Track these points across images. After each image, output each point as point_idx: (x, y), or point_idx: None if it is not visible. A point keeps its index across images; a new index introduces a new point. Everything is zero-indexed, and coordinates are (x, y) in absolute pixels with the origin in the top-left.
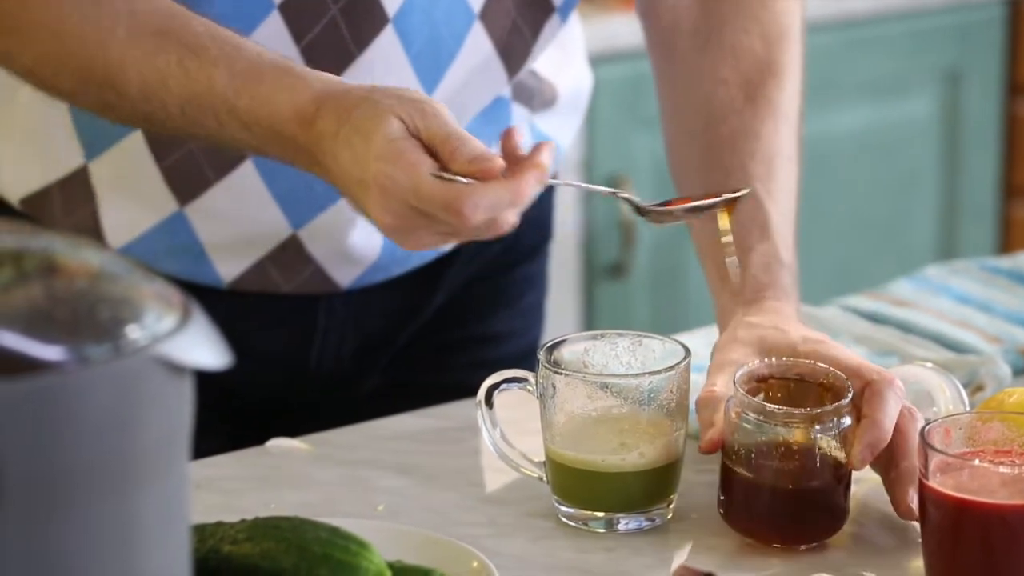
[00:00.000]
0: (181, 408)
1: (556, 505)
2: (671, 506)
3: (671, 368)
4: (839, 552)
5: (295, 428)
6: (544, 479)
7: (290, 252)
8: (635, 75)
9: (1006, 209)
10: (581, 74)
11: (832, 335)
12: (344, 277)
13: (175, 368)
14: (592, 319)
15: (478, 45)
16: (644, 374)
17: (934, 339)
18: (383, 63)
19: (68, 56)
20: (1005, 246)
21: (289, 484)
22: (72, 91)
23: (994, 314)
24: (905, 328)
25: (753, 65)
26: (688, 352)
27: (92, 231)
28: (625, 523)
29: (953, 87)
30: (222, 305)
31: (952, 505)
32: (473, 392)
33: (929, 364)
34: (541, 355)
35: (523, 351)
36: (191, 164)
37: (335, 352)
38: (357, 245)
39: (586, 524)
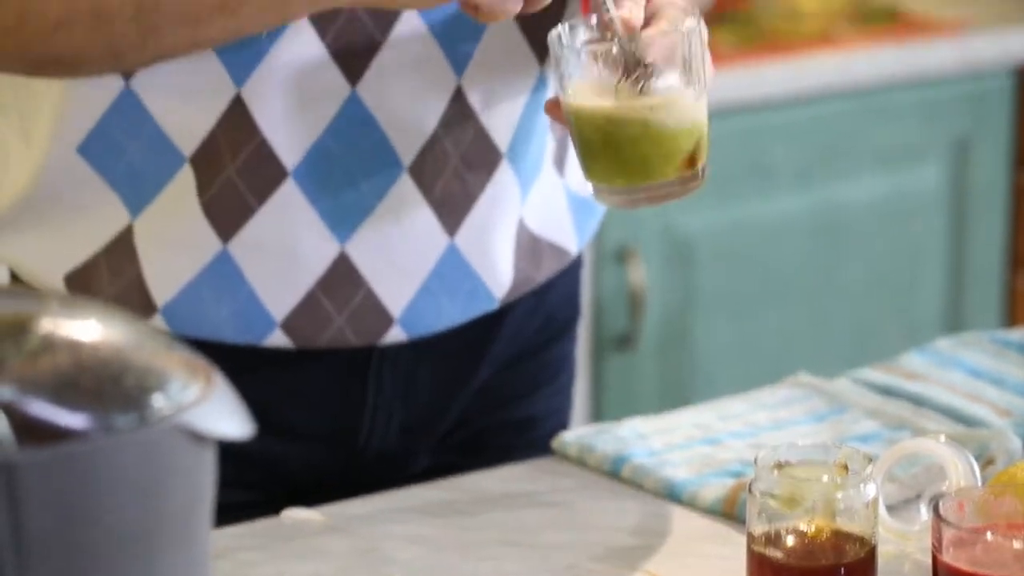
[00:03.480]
0: (204, 478)
1: (593, 187)
2: (704, 172)
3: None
4: None
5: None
6: None
7: (340, 274)
8: None
9: (1013, 279)
10: None
11: (843, 408)
12: (395, 302)
13: (199, 438)
14: (600, 390)
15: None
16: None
17: (945, 412)
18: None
19: None
20: (1012, 317)
21: (303, 555)
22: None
23: (1005, 387)
24: (917, 401)
25: None
26: (699, 16)
27: (138, 291)
28: (658, 192)
29: (962, 156)
30: (272, 386)
31: None
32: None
33: (941, 438)
34: (558, 34)
35: (553, 434)
36: (231, 192)
37: (383, 430)
38: (405, 252)
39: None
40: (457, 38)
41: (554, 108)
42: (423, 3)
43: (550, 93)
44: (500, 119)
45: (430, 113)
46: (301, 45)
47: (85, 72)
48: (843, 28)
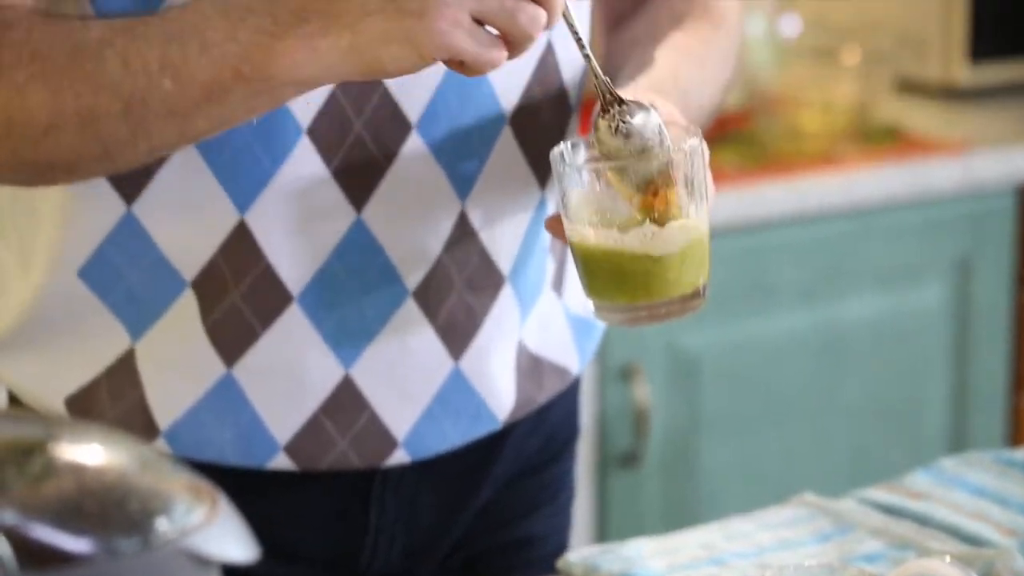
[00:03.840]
0: None
1: (594, 304)
2: (706, 290)
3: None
4: None
5: None
6: None
7: (344, 397)
8: None
9: (1016, 399)
10: None
11: (848, 528)
12: (399, 425)
13: (203, 561)
14: (604, 508)
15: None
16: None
17: (951, 532)
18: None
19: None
20: (1016, 436)
21: None
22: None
23: (1009, 507)
24: (922, 521)
25: (695, 15)
26: (700, 135)
27: (140, 415)
28: (660, 311)
29: (965, 276)
30: (274, 508)
31: None
32: None
33: (947, 558)
34: (561, 152)
35: (553, 553)
36: (236, 317)
37: (386, 553)
38: (410, 376)
39: (627, 315)
40: (459, 159)
41: (555, 225)
42: (406, 68)
43: (549, 212)
44: (502, 242)
45: (434, 236)
46: (305, 169)
47: (81, 175)
48: (845, 148)
